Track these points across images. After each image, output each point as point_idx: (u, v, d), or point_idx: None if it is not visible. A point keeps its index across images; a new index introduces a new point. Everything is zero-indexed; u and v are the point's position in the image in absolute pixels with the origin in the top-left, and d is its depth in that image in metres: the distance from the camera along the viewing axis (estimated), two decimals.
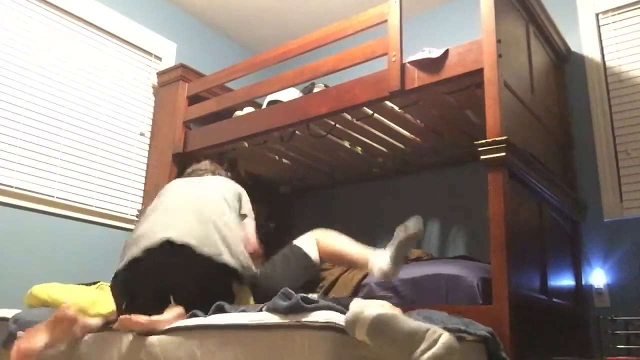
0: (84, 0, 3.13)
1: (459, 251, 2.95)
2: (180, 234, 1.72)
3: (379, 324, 1.17)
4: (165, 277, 1.69)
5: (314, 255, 1.99)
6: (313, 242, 2.03)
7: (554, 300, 2.21)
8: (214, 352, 1.35)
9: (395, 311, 1.48)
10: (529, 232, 2.10)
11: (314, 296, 1.38)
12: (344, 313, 1.29)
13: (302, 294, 1.33)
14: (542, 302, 2.11)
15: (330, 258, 2.07)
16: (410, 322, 1.20)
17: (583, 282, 2.56)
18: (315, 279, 2.10)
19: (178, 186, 2.08)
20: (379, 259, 1.89)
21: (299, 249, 2.00)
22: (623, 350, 2.22)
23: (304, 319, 1.24)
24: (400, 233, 1.87)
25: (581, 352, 2.40)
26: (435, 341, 1.15)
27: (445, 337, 1.16)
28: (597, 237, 2.61)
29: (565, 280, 2.43)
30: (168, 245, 1.70)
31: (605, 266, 2.56)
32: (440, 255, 2.94)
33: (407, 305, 1.86)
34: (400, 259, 1.87)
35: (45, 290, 2.17)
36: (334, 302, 1.36)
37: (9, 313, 2.03)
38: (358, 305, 1.25)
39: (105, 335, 1.63)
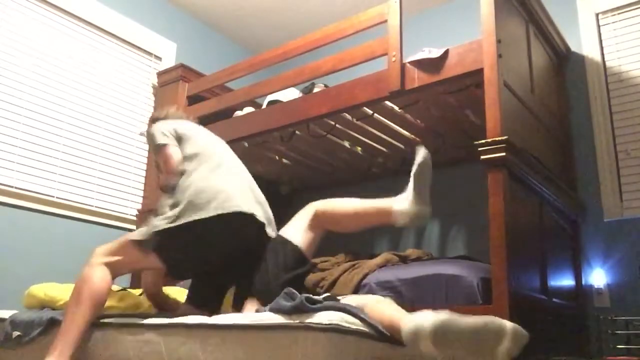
0: (84, 0, 3.13)
1: (459, 251, 2.94)
2: (257, 211, 1.85)
3: (441, 331, 1.13)
4: (236, 240, 1.81)
5: (296, 239, 1.76)
6: (304, 221, 1.80)
7: (554, 300, 2.21)
8: (214, 351, 1.35)
9: (394, 305, 1.47)
10: (529, 232, 2.10)
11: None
12: (348, 313, 1.28)
13: (306, 294, 1.33)
14: (542, 302, 2.11)
15: (345, 225, 1.83)
16: (466, 319, 1.16)
17: (583, 282, 2.56)
18: (301, 266, 1.76)
19: (221, 146, 2.07)
20: (401, 202, 1.75)
21: (281, 237, 1.81)
22: (623, 350, 2.22)
23: (307, 320, 1.24)
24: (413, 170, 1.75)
25: (581, 352, 2.40)
26: (500, 333, 1.12)
27: (511, 327, 1.16)
28: (597, 237, 2.61)
29: (565, 280, 2.43)
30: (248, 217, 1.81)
31: (605, 266, 2.56)
32: (440, 255, 2.94)
33: (407, 305, 1.86)
34: (424, 190, 1.73)
35: (43, 290, 2.17)
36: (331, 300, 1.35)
37: (6, 314, 2.03)
38: (410, 320, 1.22)
39: (109, 333, 1.63)
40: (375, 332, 1.30)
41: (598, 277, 2.55)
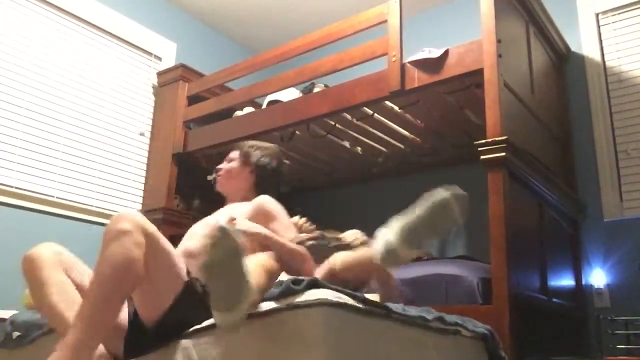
0: (84, 0, 3.13)
1: (459, 251, 2.94)
2: None
3: (407, 233, 1.29)
4: None
5: None
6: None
7: (554, 300, 2.21)
8: (208, 348, 1.34)
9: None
10: (529, 232, 2.10)
11: None
12: (333, 289, 1.28)
13: (293, 277, 1.34)
14: (542, 302, 2.11)
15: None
16: (416, 211, 1.32)
17: (583, 282, 2.56)
18: None
19: None
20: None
21: None
22: (623, 350, 2.22)
23: (296, 300, 1.24)
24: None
25: (581, 352, 2.40)
26: (448, 201, 1.32)
27: (446, 192, 1.34)
28: (597, 237, 2.61)
29: (565, 280, 2.43)
30: None
31: (605, 266, 2.56)
32: (440, 255, 2.94)
33: (406, 305, 1.86)
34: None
35: None
36: None
37: (6, 314, 2.03)
38: (377, 244, 1.35)
39: None
40: (362, 303, 1.30)
41: (598, 277, 2.55)
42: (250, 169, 2.11)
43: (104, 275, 1.29)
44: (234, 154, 2.15)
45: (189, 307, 1.42)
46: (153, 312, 1.43)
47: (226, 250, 1.17)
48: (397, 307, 1.41)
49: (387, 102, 2.43)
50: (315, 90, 2.68)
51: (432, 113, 2.54)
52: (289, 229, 1.79)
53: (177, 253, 1.53)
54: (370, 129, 2.73)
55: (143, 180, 3.30)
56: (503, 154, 1.85)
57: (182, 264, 1.48)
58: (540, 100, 2.49)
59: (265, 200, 1.85)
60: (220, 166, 2.15)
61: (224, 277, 1.17)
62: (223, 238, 1.17)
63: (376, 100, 2.36)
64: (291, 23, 3.84)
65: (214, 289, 1.18)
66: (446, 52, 2.13)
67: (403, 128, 2.74)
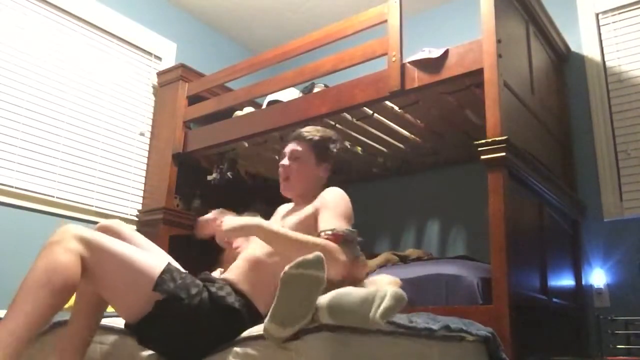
0: (84, 0, 3.13)
1: (459, 251, 2.94)
2: None
3: (335, 305, 1.19)
4: None
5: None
6: None
7: (554, 300, 2.21)
8: None
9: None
10: (529, 232, 2.10)
11: None
12: None
13: None
14: (542, 302, 2.11)
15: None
16: (360, 290, 1.22)
17: (583, 282, 2.56)
18: None
19: None
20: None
21: None
22: (623, 350, 2.22)
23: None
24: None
25: (581, 352, 2.40)
26: (383, 297, 1.17)
27: (392, 290, 1.18)
28: (597, 237, 2.61)
29: (565, 280, 2.43)
30: None
31: (605, 266, 2.56)
32: (440, 255, 2.94)
33: (406, 305, 1.86)
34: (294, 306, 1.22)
35: None
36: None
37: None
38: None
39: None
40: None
41: (598, 277, 2.55)
42: (326, 165, 1.85)
43: (32, 279, 1.35)
44: (298, 147, 1.80)
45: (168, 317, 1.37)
46: (130, 318, 1.42)
47: (312, 277, 1.19)
48: (403, 319, 1.39)
49: (387, 102, 2.43)
50: (315, 90, 2.68)
51: (432, 113, 2.54)
52: (337, 220, 1.56)
53: (165, 257, 1.52)
54: (370, 129, 2.73)
55: (143, 180, 3.30)
56: (503, 154, 1.85)
57: (150, 272, 1.39)
58: (540, 100, 2.49)
59: (330, 191, 1.71)
60: (283, 163, 1.78)
61: (297, 297, 1.19)
62: (313, 265, 1.19)
63: (376, 100, 2.36)
64: (291, 23, 3.84)
65: (282, 301, 1.19)
66: (446, 52, 2.13)
67: (403, 128, 2.74)
